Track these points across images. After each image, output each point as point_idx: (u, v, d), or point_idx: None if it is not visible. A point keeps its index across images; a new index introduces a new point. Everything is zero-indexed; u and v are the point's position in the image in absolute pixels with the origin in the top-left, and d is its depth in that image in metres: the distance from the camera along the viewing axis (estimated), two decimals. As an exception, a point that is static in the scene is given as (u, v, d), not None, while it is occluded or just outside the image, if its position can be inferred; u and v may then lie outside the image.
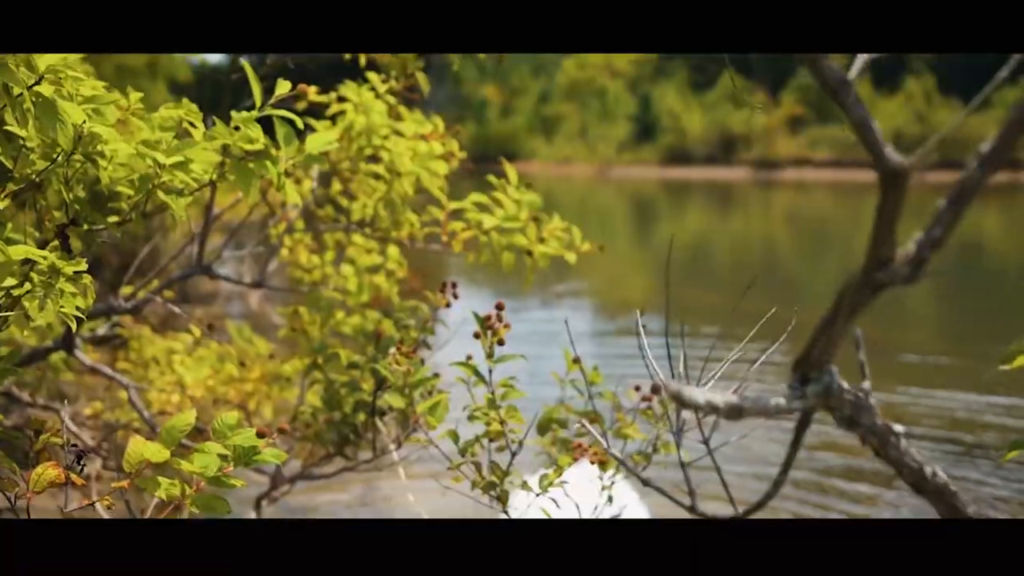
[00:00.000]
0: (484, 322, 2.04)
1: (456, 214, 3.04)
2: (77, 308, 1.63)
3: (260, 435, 1.70)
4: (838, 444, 4.99)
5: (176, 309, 2.43)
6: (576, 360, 2.51)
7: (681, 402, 0.81)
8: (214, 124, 1.90)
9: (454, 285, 2.56)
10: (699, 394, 0.81)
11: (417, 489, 3.53)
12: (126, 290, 2.83)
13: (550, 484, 2.08)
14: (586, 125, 59.61)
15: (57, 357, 3.43)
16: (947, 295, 11.19)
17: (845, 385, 0.91)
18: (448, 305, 2.57)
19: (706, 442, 0.97)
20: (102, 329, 3.15)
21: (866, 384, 0.94)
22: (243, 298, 9.20)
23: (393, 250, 3.46)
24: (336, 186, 3.32)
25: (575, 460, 2.10)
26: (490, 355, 2.04)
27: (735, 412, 0.83)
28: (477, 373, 2.08)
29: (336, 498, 4.11)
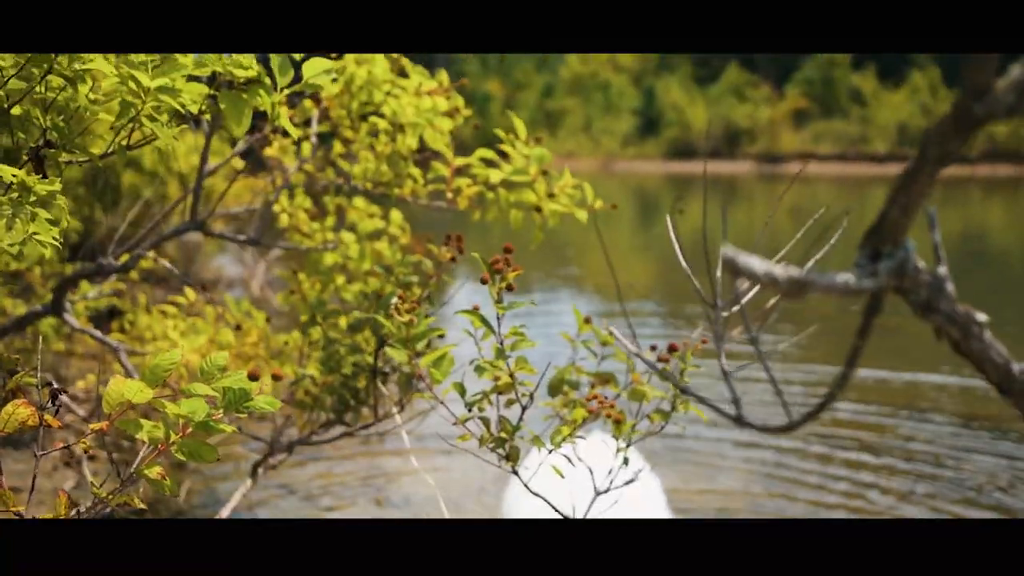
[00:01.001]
0: (491, 266, 1.91)
1: (461, 173, 2.91)
2: (53, 238, 1.51)
3: (252, 378, 1.58)
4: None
5: (167, 264, 2.30)
6: (588, 320, 2.39)
7: (736, 271, 0.68)
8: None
9: (459, 238, 2.43)
10: (757, 263, 0.68)
11: (420, 456, 3.41)
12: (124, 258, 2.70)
13: (563, 440, 1.95)
14: (590, 119, 59.37)
15: (47, 325, 3.31)
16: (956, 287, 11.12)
17: (922, 265, 0.78)
18: (453, 259, 2.44)
19: (754, 340, 0.84)
20: (92, 293, 3.03)
21: (942, 269, 0.81)
22: (245, 284, 9.09)
23: (396, 214, 3.33)
24: (337, 147, 3.19)
25: (590, 414, 1.98)
26: (499, 301, 1.91)
27: (796, 287, 0.70)
28: (485, 322, 1.95)
29: (334, 472, 3.99)
